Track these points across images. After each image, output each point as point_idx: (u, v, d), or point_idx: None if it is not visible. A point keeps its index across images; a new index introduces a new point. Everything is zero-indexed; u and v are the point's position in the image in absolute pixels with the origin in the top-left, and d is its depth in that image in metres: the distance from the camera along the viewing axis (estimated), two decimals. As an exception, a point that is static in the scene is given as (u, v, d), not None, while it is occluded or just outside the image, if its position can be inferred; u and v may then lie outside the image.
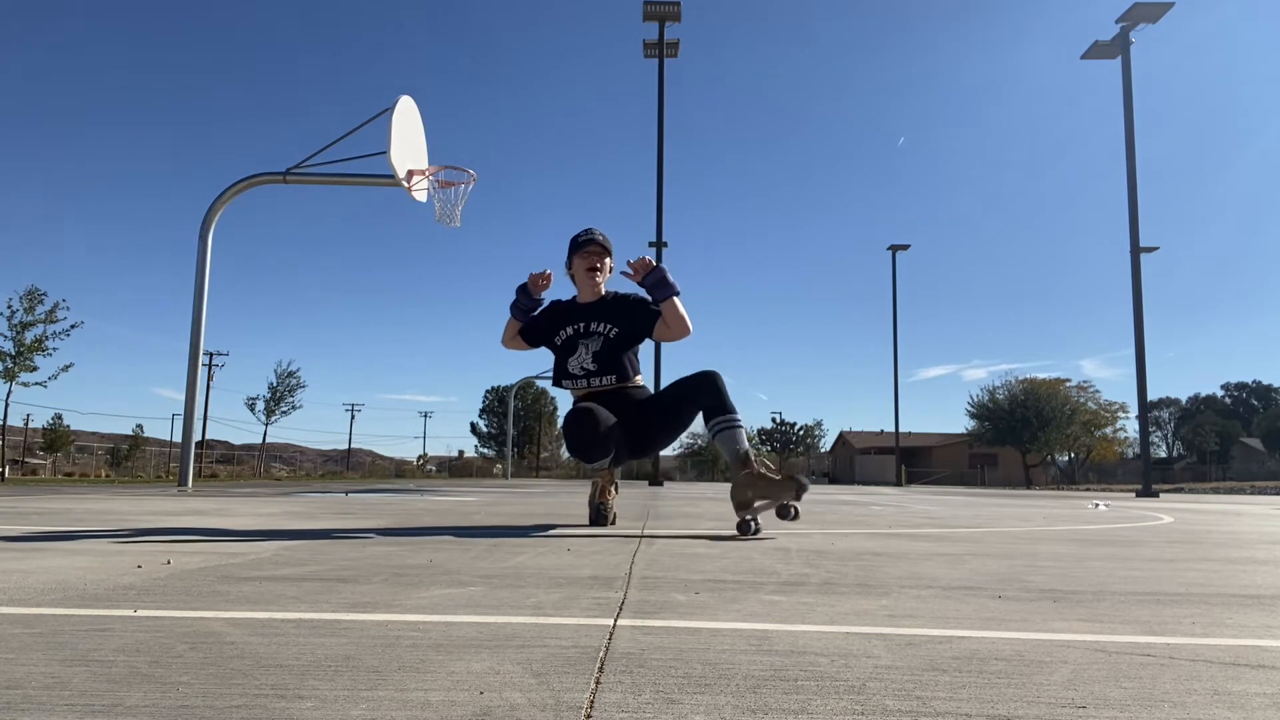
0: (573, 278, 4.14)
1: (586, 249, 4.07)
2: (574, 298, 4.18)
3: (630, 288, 4.10)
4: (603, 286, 4.14)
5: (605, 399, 3.95)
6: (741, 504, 3.53)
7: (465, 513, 5.43)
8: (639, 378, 4.09)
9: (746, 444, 3.67)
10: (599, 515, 4.04)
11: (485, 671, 1.13)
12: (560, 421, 4.11)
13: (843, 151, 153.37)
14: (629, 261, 3.95)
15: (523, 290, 4.15)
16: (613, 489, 4.09)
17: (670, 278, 3.89)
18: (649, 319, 3.98)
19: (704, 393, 3.75)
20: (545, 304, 4.24)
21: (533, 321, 4.23)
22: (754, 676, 1.13)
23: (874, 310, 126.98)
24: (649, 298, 3.96)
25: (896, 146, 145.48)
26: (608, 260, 4.12)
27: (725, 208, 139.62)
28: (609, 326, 4.00)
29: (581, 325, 4.04)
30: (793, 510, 3.61)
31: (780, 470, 3.70)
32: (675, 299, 3.89)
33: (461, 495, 10.03)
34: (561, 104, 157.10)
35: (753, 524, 3.50)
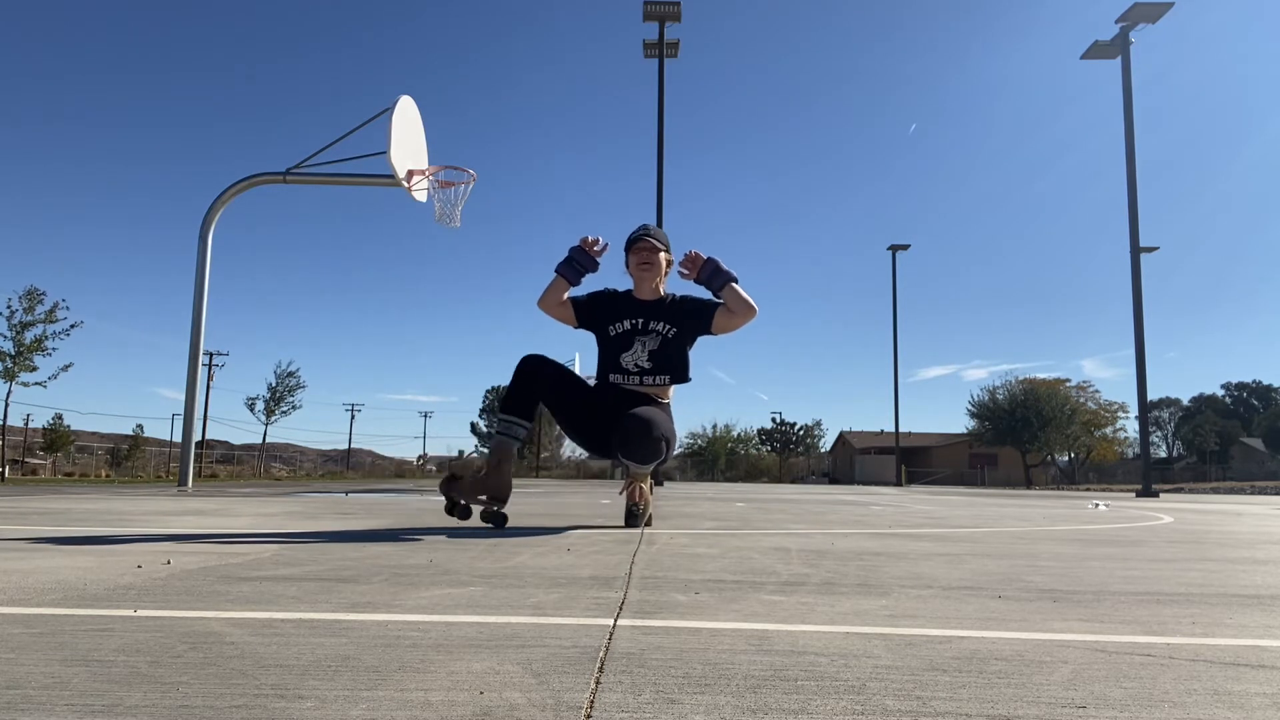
0: (631, 275, 4.09)
1: (639, 245, 4.03)
2: (629, 291, 4.09)
3: (690, 289, 4.12)
4: (662, 285, 4.08)
5: (627, 398, 3.94)
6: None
7: (465, 513, 5.42)
8: (670, 391, 4.07)
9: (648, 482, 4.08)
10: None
11: (485, 671, 1.13)
12: (556, 422, 4.10)
13: (842, 151, 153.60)
14: (680, 262, 3.97)
15: (580, 251, 3.98)
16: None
17: (724, 265, 3.95)
18: (708, 312, 4.01)
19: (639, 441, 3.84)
20: (599, 280, 4.12)
21: (584, 301, 4.09)
22: (754, 676, 1.13)
23: (874, 310, 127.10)
24: (711, 296, 4.02)
25: (907, 135, 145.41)
26: (662, 255, 4.04)
27: (725, 207, 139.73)
28: (669, 327, 3.98)
29: (640, 321, 3.98)
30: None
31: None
32: (734, 284, 3.95)
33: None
34: (562, 103, 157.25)
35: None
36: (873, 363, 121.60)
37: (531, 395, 3.85)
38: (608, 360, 4.01)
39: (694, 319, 4.02)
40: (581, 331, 4.15)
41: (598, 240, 3.98)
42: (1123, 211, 22.72)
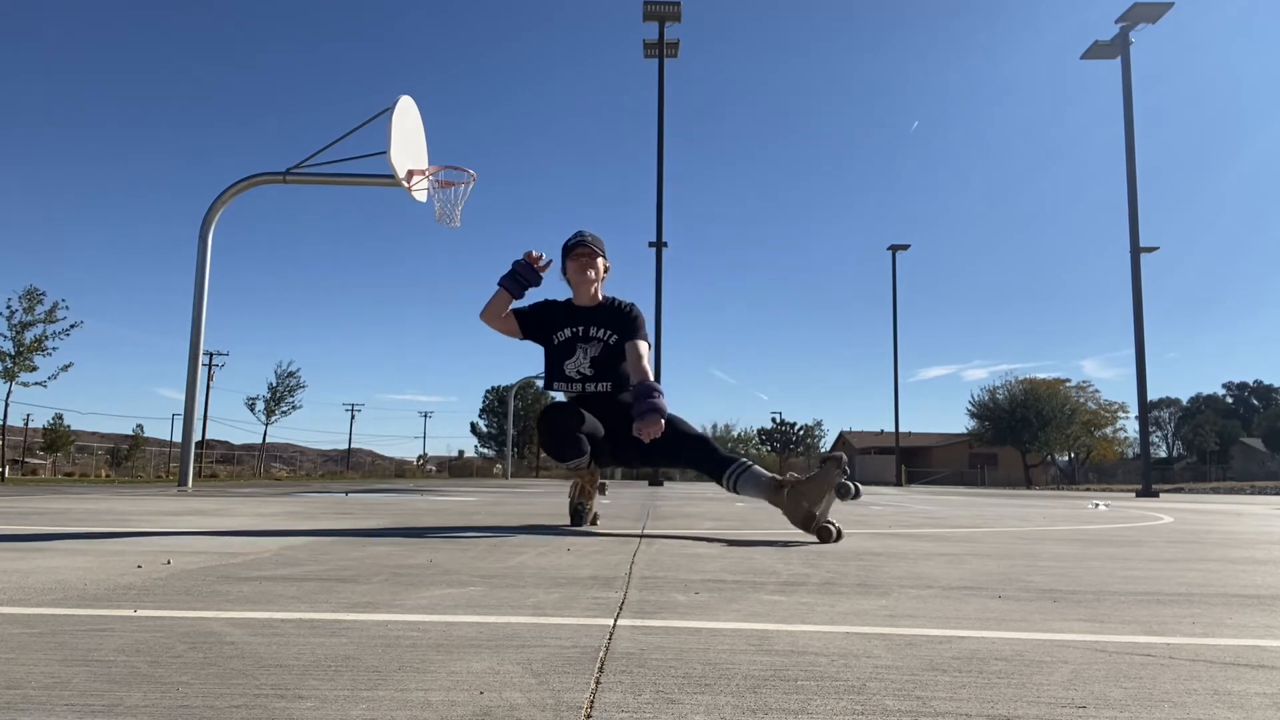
0: (569, 282, 4.10)
1: (577, 252, 4.02)
2: (569, 300, 4.11)
3: (626, 295, 4.13)
4: (600, 291, 4.09)
5: (596, 403, 3.95)
6: (805, 519, 3.34)
7: (465, 513, 5.43)
8: None
9: (765, 471, 3.63)
10: (577, 515, 4.03)
11: (485, 671, 1.13)
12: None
13: (842, 151, 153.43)
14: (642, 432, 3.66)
15: (525, 266, 3.99)
16: (593, 490, 4.06)
17: (657, 400, 3.66)
18: (631, 330, 3.98)
19: (705, 456, 3.75)
20: (540, 292, 4.13)
21: (526, 312, 4.09)
22: (754, 676, 1.13)
23: (874, 310, 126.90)
24: (637, 318, 4.03)
25: (907, 134, 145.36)
26: (600, 261, 4.05)
27: (725, 207, 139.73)
28: (609, 332, 3.98)
29: (581, 329, 3.99)
30: (851, 488, 3.33)
31: (807, 470, 3.68)
32: (640, 346, 3.96)
33: (461, 495, 10.03)
34: (562, 102, 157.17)
35: (832, 529, 3.28)
36: (873, 363, 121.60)
37: (573, 432, 3.80)
38: (553, 369, 4.03)
39: (627, 326, 4.01)
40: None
41: (542, 255, 4.00)
42: (1123, 211, 22.74)
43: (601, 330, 3.98)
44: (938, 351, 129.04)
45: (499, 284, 4.00)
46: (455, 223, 12.39)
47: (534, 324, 4.08)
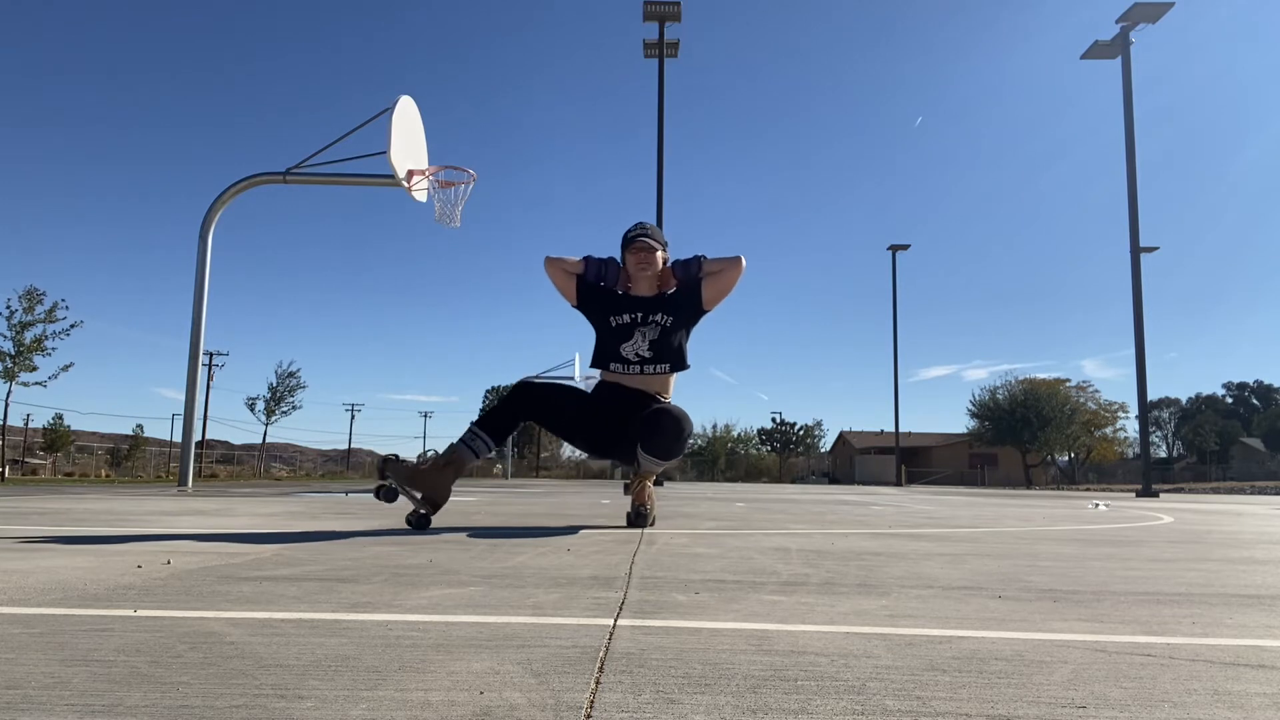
0: (628, 273, 4.24)
1: (636, 245, 4.18)
2: (627, 290, 4.25)
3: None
4: (657, 282, 4.24)
5: (630, 398, 4.02)
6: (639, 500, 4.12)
7: (465, 513, 5.43)
8: (671, 382, 4.18)
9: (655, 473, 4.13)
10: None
11: (485, 671, 1.13)
12: (553, 434, 4.19)
13: (842, 150, 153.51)
14: (659, 286, 4.21)
15: (617, 269, 4.22)
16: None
17: (683, 259, 4.20)
18: (696, 292, 4.17)
19: (664, 431, 3.88)
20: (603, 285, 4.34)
21: (590, 284, 4.22)
22: (754, 676, 1.13)
23: (874, 310, 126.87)
24: (696, 280, 4.22)
25: (907, 134, 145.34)
26: (659, 254, 4.20)
27: (725, 205, 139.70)
28: (666, 317, 4.13)
29: (640, 314, 4.12)
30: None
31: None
32: (703, 258, 4.16)
33: (461, 495, 10.03)
34: (562, 100, 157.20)
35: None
36: (873, 363, 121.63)
37: (512, 422, 3.97)
38: (608, 350, 4.12)
39: (687, 305, 4.18)
40: (579, 333, 4.27)
41: (630, 279, 4.23)
42: (1123, 211, 22.73)
43: (660, 315, 4.13)
44: (938, 351, 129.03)
45: (585, 256, 4.22)
46: (455, 223, 12.38)
47: (591, 297, 4.22)
